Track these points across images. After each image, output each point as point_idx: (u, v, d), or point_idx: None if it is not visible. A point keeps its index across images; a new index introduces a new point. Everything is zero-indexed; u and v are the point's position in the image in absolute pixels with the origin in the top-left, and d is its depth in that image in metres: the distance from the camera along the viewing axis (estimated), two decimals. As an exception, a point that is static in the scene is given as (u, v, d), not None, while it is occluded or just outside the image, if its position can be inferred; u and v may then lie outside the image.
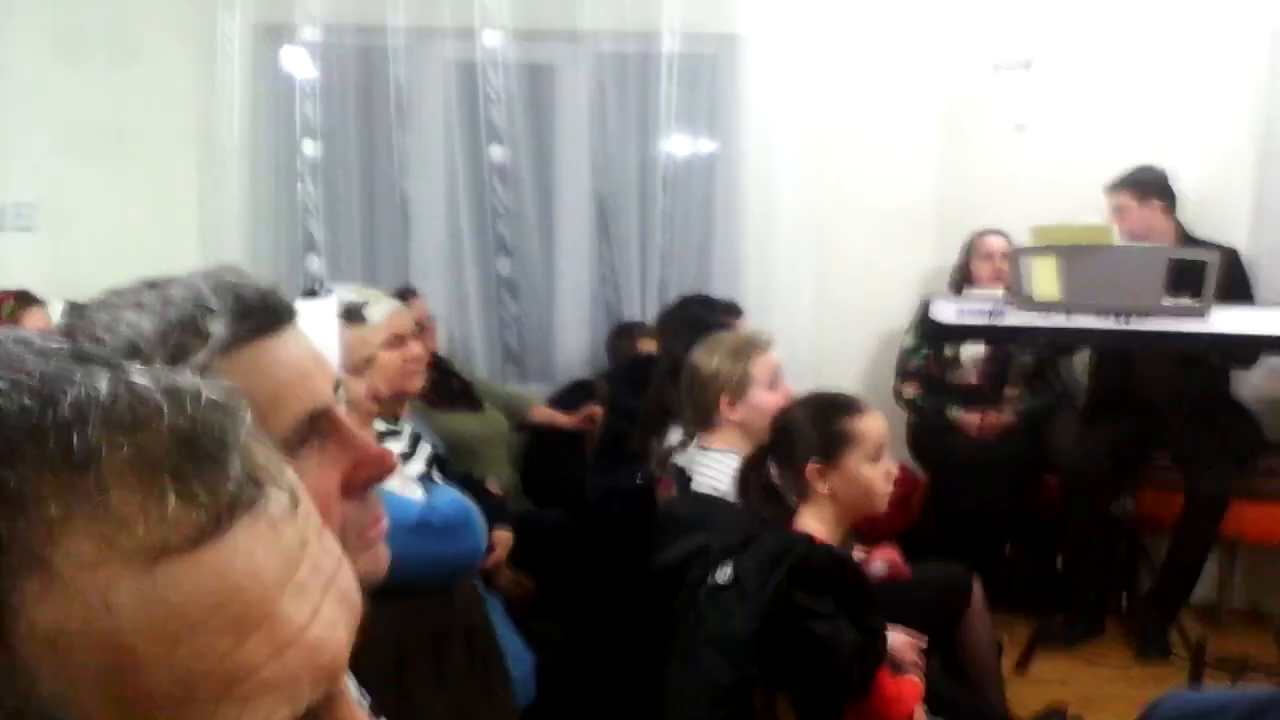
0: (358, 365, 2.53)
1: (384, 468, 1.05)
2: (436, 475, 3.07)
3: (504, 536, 3.27)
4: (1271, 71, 4.96)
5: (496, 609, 2.85)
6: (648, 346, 4.74)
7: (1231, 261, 4.66)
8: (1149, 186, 4.82)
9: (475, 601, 2.57)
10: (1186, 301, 4.12)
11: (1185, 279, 4.18)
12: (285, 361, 1.01)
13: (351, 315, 2.53)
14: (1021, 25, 5.28)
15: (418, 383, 3.11)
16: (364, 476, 1.04)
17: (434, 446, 3.37)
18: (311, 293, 2.71)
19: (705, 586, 2.32)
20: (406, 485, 2.57)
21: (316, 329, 2.42)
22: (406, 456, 2.96)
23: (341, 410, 1.06)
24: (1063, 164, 5.20)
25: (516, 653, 2.82)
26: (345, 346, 2.46)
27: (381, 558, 1.08)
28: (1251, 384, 4.93)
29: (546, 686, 2.99)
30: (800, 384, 4.25)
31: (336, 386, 1.08)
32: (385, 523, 1.10)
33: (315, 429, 1.02)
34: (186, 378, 0.58)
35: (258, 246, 5.22)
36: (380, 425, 2.86)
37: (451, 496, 2.54)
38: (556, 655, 3.23)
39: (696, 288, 5.21)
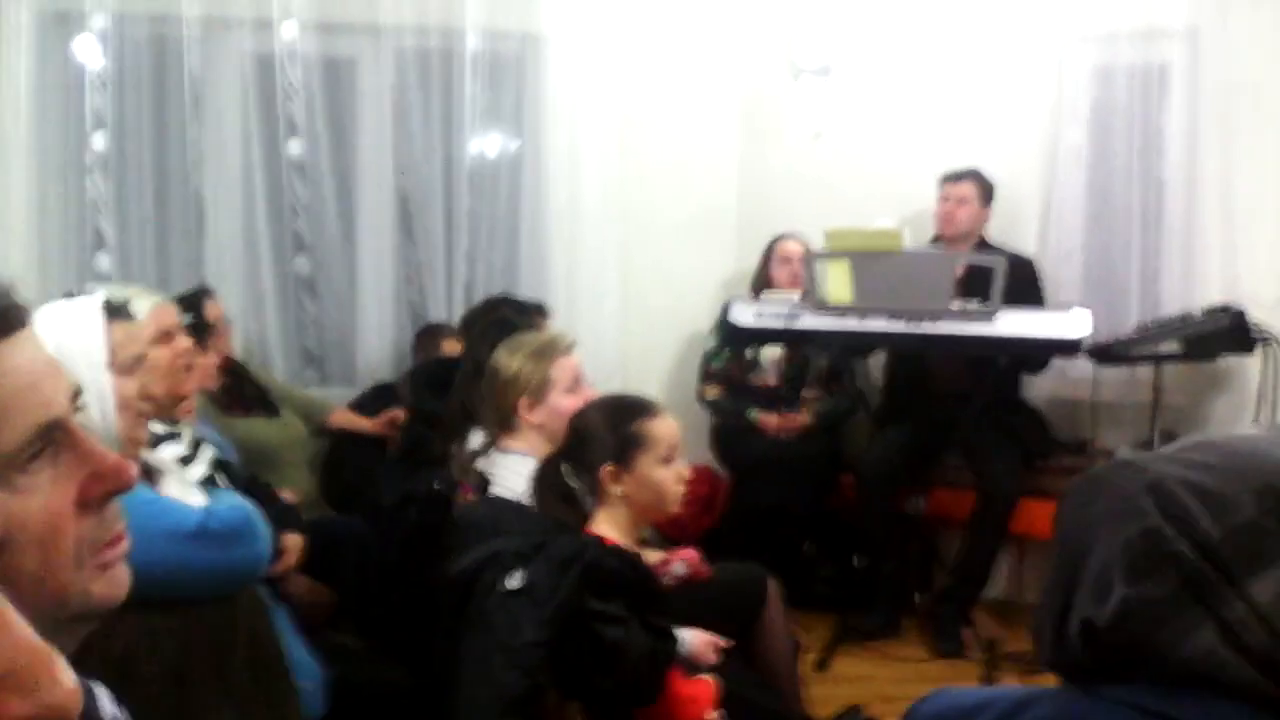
0: (127, 364, 2.43)
1: (122, 481, 0.99)
2: (221, 480, 2.97)
3: (294, 541, 3.18)
4: (1060, 83, 5.14)
5: (283, 619, 2.77)
6: (452, 348, 4.68)
7: (1027, 268, 4.83)
8: (989, 190, 4.98)
9: (259, 612, 2.48)
10: (973, 305, 4.25)
11: (980, 283, 4.31)
12: (15, 369, 0.95)
13: (117, 312, 2.42)
14: (820, 33, 5.38)
15: (191, 382, 3.01)
16: (100, 490, 0.98)
17: (220, 450, 3.26)
18: (69, 294, 2.59)
19: (495, 593, 2.29)
20: (186, 491, 2.47)
21: (78, 330, 2.32)
22: (187, 460, 2.85)
23: (78, 420, 1.00)
24: (861, 169, 5.33)
25: (304, 665, 2.73)
26: (112, 345, 2.37)
27: (120, 580, 1.02)
28: (1040, 385, 5.10)
29: (342, 700, 2.92)
30: (607, 385, 4.28)
31: (76, 394, 1.01)
32: (127, 542, 1.04)
33: (49, 441, 0.96)
34: None
35: (45, 244, 4.98)
36: (158, 428, 2.75)
37: (232, 502, 2.45)
38: (353, 667, 3.16)
39: (503, 288, 5.18)
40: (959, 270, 4.48)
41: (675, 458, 2.64)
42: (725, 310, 4.89)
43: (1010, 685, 1.42)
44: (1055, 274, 5.07)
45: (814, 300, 4.42)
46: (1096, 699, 1.09)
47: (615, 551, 2.38)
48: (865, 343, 4.76)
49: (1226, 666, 1.01)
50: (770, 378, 5.18)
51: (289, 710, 2.53)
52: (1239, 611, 1.02)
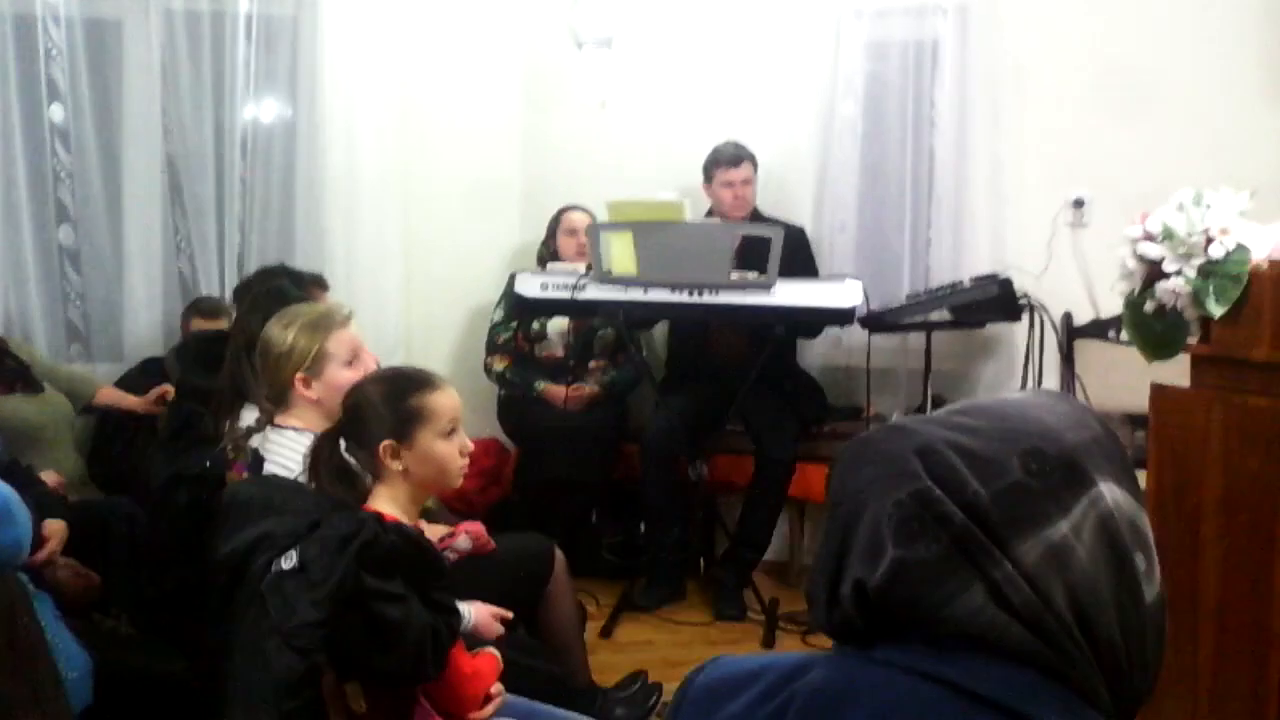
0: None
1: None
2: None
3: (56, 527, 3.03)
4: (835, 57, 5.23)
5: (46, 607, 2.63)
6: (221, 322, 4.52)
7: (800, 239, 4.93)
8: (756, 163, 5.03)
9: (18, 600, 2.36)
10: (752, 276, 4.31)
11: (755, 255, 4.37)
12: None
13: None
14: (603, 4, 5.37)
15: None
16: None
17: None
18: None
19: (269, 575, 2.22)
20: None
21: None
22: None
23: None
24: (644, 141, 5.35)
25: (69, 654, 2.61)
26: None
27: None
28: (815, 353, 5.22)
29: (110, 688, 2.79)
30: (390, 359, 4.18)
31: None
32: None
33: None
34: None
35: None
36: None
37: (-14, 487, 2.32)
38: (123, 654, 3.03)
39: (279, 259, 5.02)
40: (736, 241, 4.53)
41: (457, 431, 2.59)
42: (511, 282, 4.85)
43: (785, 652, 1.42)
44: (829, 245, 5.19)
45: (599, 272, 4.42)
46: (869, 661, 1.10)
47: (395, 528, 2.32)
48: (648, 313, 4.80)
49: (995, 626, 1.03)
50: (557, 349, 5.17)
51: (54, 701, 2.41)
52: (1006, 571, 1.04)
